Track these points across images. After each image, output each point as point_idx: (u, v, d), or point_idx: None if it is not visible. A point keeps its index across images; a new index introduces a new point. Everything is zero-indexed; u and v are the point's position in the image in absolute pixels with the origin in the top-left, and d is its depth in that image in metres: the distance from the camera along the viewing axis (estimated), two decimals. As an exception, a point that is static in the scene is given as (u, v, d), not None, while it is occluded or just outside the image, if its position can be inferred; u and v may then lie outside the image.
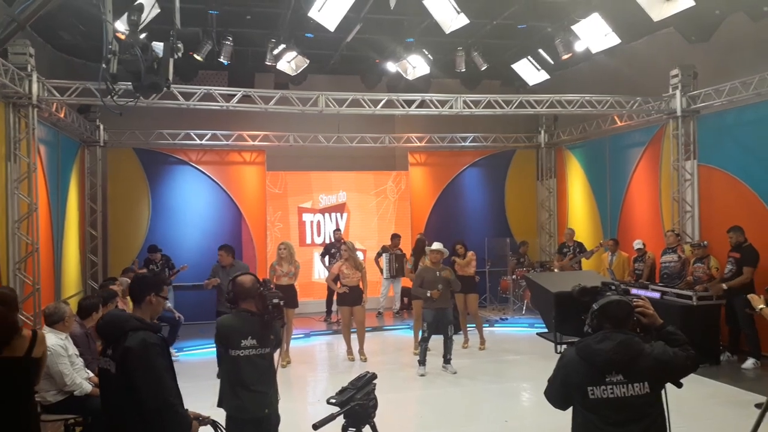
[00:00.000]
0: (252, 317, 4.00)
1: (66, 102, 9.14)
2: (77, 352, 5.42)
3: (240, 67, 12.01)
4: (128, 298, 4.47)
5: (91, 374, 5.39)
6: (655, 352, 2.90)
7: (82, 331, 5.74)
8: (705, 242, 9.07)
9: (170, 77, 3.71)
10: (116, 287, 7.18)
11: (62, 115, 9.58)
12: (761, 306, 4.79)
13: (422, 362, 8.19)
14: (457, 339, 9.21)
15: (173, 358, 3.85)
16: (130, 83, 3.86)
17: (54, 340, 5.16)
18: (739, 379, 7.66)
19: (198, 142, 12.19)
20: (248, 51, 11.69)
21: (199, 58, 10.30)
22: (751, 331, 8.05)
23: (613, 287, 3.16)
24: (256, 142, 12.60)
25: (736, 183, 9.15)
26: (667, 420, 3.00)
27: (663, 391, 2.98)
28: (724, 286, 8.22)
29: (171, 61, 3.82)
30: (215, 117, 11.56)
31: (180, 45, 3.78)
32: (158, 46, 3.78)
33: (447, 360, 8.27)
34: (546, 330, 3.55)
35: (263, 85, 11.79)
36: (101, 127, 11.65)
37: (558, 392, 3.05)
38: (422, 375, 8.09)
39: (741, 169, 9.10)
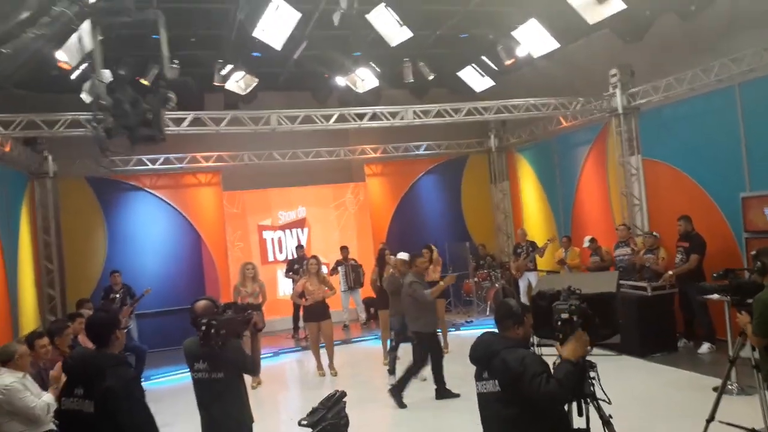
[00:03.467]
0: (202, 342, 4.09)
1: (11, 135, 8.95)
2: (38, 390, 5.30)
3: (188, 89, 11.91)
4: None
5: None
6: (508, 357, 2.99)
7: (35, 371, 5.60)
8: (656, 233, 9.44)
9: (163, 129, 3.78)
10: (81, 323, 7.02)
11: (8, 149, 9.35)
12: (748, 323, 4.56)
13: (392, 371, 8.24)
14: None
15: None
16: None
17: (10, 378, 5.05)
18: (696, 364, 7.97)
19: (151, 166, 12.04)
20: (195, 72, 11.61)
21: (145, 82, 10.20)
22: (705, 317, 8.37)
23: (568, 293, 3.29)
24: (210, 163, 12.52)
25: (679, 174, 9.56)
26: None
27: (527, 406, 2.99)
28: (670, 272, 8.59)
29: (163, 111, 3.85)
30: (167, 140, 11.37)
31: (171, 95, 3.83)
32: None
33: (416, 367, 8.35)
34: None
35: (213, 105, 11.75)
36: (50, 158, 11.39)
37: None
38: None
39: (682, 161, 9.51)
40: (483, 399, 3.17)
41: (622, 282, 9.01)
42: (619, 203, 10.77)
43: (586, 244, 10.56)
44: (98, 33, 3.69)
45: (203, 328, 3.94)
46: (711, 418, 4.92)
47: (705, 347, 8.41)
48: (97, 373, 3.18)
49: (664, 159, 9.91)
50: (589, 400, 3.32)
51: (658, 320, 8.51)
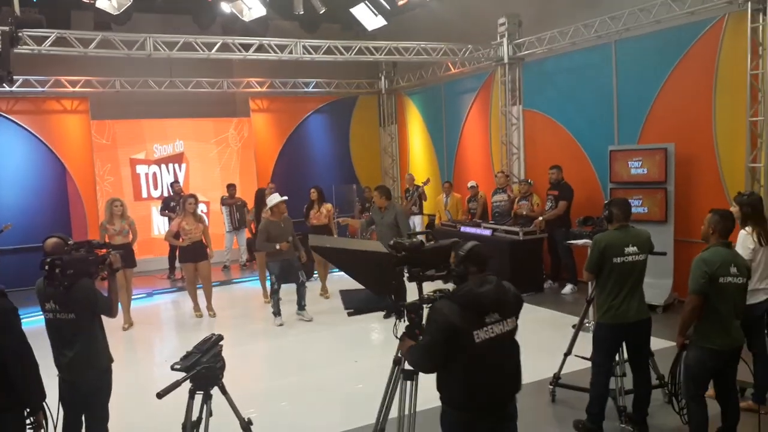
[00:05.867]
0: None
1: None
2: None
3: (52, 5, 10.70)
4: None
5: None
6: (513, 289, 3.07)
7: None
8: (530, 181, 9.92)
9: (10, 69, 3.39)
10: None
11: None
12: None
13: (277, 313, 8.19)
14: (315, 286, 9.40)
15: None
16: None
17: None
18: (559, 303, 8.58)
19: (8, 89, 10.77)
20: (60, -14, 10.45)
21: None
22: (569, 260, 9.01)
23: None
24: (77, 89, 11.46)
25: (555, 126, 10.01)
26: None
27: None
28: (541, 218, 9.09)
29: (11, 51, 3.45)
30: (27, 61, 10.24)
31: (20, 34, 3.42)
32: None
33: (301, 306, 8.35)
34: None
35: (81, 24, 10.66)
36: None
37: (439, 352, 2.90)
38: (280, 325, 8.11)
39: (559, 113, 9.95)
40: (497, 343, 2.90)
41: (495, 226, 9.48)
42: (499, 151, 11.16)
43: (470, 185, 10.92)
44: None
45: (47, 267, 3.77)
46: (568, 352, 5.33)
47: (568, 288, 9.07)
48: None
49: (542, 110, 10.31)
50: None
51: (528, 263, 9.04)
